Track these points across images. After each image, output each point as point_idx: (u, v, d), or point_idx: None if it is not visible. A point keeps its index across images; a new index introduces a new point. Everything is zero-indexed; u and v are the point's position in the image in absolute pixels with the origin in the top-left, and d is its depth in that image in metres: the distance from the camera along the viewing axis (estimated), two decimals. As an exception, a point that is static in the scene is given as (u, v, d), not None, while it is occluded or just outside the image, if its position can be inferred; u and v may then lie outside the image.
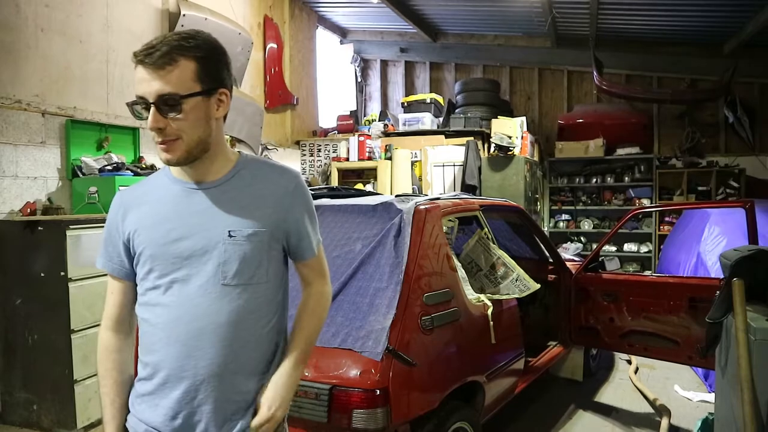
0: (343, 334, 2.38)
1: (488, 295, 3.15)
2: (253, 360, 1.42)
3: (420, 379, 2.45)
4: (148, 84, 1.28)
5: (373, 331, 2.35)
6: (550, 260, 4.44)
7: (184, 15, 5.40)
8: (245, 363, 1.40)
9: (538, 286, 3.33)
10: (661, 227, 8.32)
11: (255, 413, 1.42)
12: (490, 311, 2.98)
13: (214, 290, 1.37)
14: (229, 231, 1.38)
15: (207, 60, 1.33)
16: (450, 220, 3.18)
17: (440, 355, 2.62)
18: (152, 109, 1.29)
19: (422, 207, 2.88)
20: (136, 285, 1.46)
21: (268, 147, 7.11)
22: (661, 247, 7.73)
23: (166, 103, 1.29)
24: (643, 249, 8.53)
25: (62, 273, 3.52)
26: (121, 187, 4.07)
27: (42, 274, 3.59)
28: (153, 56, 1.27)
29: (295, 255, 1.52)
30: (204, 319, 1.35)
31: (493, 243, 3.49)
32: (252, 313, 1.41)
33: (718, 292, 2.30)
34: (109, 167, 4.32)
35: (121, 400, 1.46)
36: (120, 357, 1.48)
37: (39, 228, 3.61)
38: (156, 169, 4.73)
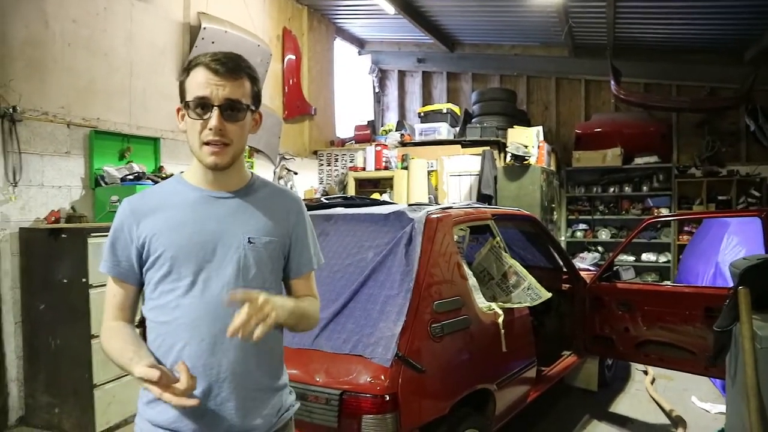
0: (354, 341, 2.43)
1: (499, 303, 3.17)
2: (268, 357, 1.52)
3: (430, 385, 2.48)
4: (216, 88, 1.40)
5: (383, 337, 2.39)
6: (564, 269, 4.43)
7: (204, 28, 5.53)
8: (262, 360, 1.49)
9: (550, 295, 3.34)
10: (680, 237, 8.22)
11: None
12: (500, 319, 3.00)
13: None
14: (249, 237, 1.48)
15: (256, 81, 1.50)
16: (461, 229, 3.21)
17: (450, 362, 2.64)
18: (216, 111, 1.40)
19: (433, 216, 2.92)
20: (139, 290, 1.52)
21: (286, 157, 7.20)
22: (680, 257, 7.64)
23: (231, 108, 1.41)
24: (662, 259, 8.43)
25: (84, 279, 3.62)
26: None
27: (65, 281, 3.70)
28: (226, 65, 1.41)
29: (294, 269, 1.61)
30: (227, 319, 1.38)
31: (505, 252, 3.51)
32: None
33: (726, 300, 2.29)
34: (130, 176, 4.44)
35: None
36: (132, 332, 1.47)
37: (62, 235, 3.72)
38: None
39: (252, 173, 1.62)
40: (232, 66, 1.41)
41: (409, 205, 3.36)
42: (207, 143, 1.42)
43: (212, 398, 1.42)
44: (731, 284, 4.37)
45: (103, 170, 4.43)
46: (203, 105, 1.40)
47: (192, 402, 1.28)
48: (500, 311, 3.03)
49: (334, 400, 2.28)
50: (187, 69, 1.45)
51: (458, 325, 2.73)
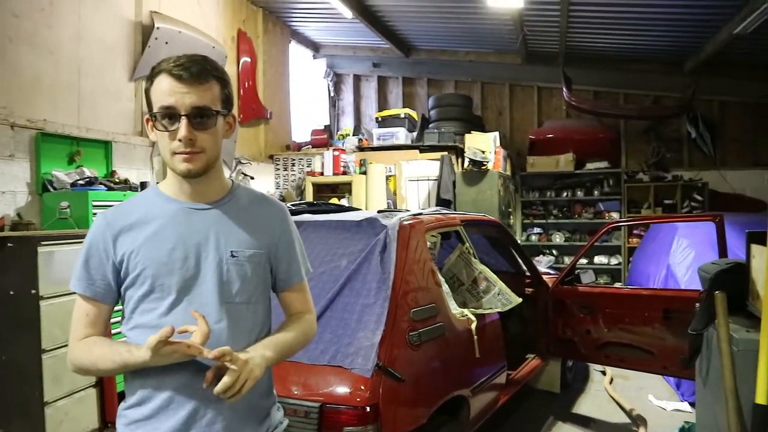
0: (332, 351, 2.36)
1: (471, 309, 3.17)
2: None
3: (409, 394, 2.44)
4: (182, 96, 1.31)
5: (363, 347, 2.34)
6: (527, 274, 4.49)
7: (158, 28, 5.33)
8: None
9: (520, 300, 3.37)
10: (630, 240, 8.52)
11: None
12: (474, 325, 3.00)
13: (219, 308, 1.38)
14: (231, 251, 1.41)
15: (226, 84, 1.41)
16: (433, 236, 3.20)
17: (427, 370, 2.62)
18: (184, 120, 1.32)
19: (407, 223, 2.89)
20: (113, 308, 1.44)
21: (242, 161, 7.03)
22: (631, 259, 7.91)
23: (200, 116, 1.33)
24: (613, 261, 8.71)
25: (33, 291, 3.39)
26: (94, 204, 3.97)
27: (11, 293, 3.45)
28: (190, 70, 1.31)
29: (284, 280, 1.54)
30: (210, 338, 1.32)
31: (475, 257, 3.52)
32: (251, 331, 1.44)
33: (697, 304, 2.37)
34: (81, 181, 4.21)
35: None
36: (110, 340, 1.40)
37: (8, 244, 3.47)
38: (130, 184, 4.64)
39: (233, 181, 1.55)
40: (196, 71, 1.32)
41: (379, 211, 3.32)
42: (182, 152, 1.34)
43: (199, 419, 1.35)
44: (682, 285, 4.58)
45: (51, 175, 4.18)
46: (170, 115, 1.32)
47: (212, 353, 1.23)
48: (473, 317, 3.04)
49: (313, 412, 2.21)
50: (150, 77, 1.36)
51: (434, 332, 2.71)
